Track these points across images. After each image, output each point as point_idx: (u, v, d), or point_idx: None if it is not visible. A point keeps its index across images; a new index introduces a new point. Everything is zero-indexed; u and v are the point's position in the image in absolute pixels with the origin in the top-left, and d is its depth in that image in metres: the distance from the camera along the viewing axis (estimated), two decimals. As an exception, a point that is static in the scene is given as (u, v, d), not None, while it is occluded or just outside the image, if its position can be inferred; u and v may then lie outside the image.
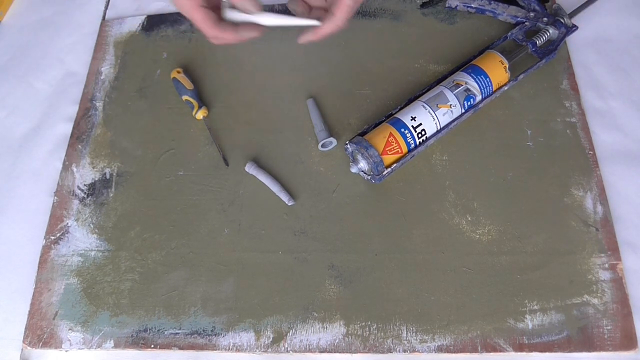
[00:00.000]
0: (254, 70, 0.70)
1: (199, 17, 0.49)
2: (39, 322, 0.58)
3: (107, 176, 0.65)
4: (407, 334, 0.52)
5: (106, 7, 0.80)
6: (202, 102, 0.67)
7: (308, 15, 0.49)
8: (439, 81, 0.62)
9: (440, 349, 0.52)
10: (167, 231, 0.61)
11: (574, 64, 0.64)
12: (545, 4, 0.66)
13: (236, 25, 0.50)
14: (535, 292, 0.53)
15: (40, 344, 0.57)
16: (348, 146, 0.58)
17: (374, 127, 0.59)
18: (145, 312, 0.57)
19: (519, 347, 0.51)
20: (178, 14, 0.76)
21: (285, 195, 0.60)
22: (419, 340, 0.52)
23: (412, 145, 0.57)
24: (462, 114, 0.59)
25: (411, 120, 0.57)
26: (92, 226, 0.62)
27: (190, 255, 0.59)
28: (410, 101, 0.61)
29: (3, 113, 0.74)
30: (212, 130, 0.65)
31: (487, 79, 0.59)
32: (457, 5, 0.68)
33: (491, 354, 0.51)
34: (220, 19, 0.50)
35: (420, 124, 0.57)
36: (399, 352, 0.52)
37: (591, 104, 0.62)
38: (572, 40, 0.66)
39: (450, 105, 0.58)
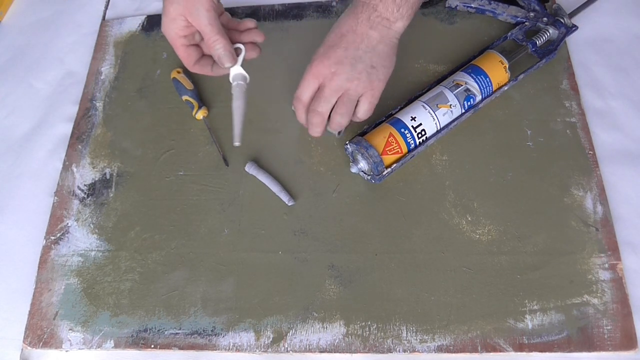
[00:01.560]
0: (254, 70, 0.69)
1: (182, 54, 0.55)
2: (39, 322, 0.58)
3: (107, 176, 0.65)
4: (407, 334, 0.52)
5: (106, 7, 0.80)
6: (202, 102, 0.67)
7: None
8: (439, 81, 0.62)
9: (440, 349, 0.51)
10: (167, 231, 0.61)
11: (574, 64, 0.64)
12: (545, 4, 0.66)
13: (212, 62, 0.57)
14: (535, 292, 0.53)
15: (41, 344, 0.57)
16: (348, 146, 0.58)
17: (374, 127, 0.59)
18: (145, 312, 0.57)
19: (519, 347, 0.51)
20: (178, 14, 0.76)
21: (285, 195, 0.60)
22: (419, 340, 0.52)
23: (412, 145, 0.57)
24: (462, 114, 0.59)
25: (411, 120, 0.57)
26: (92, 226, 0.62)
27: (190, 255, 0.59)
28: (410, 101, 0.61)
29: (3, 113, 0.74)
30: (212, 130, 0.65)
31: (487, 79, 0.59)
32: (457, 5, 0.68)
33: (491, 354, 0.51)
34: (201, 55, 0.56)
35: (420, 124, 0.57)
36: (399, 352, 0.52)
37: (591, 104, 0.62)
38: (572, 40, 0.66)
39: (450, 105, 0.58)
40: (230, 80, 0.56)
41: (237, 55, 0.56)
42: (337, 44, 0.52)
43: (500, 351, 0.51)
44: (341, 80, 0.52)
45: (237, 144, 0.55)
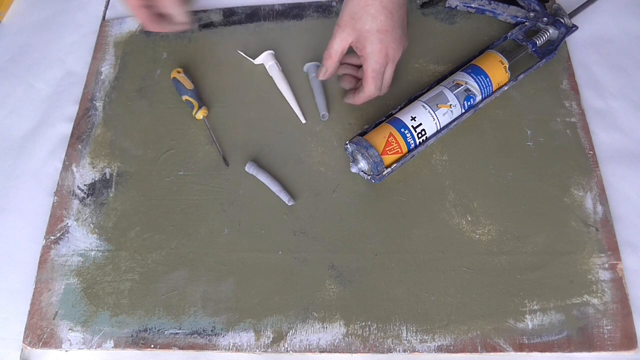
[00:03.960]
0: (254, 70, 0.70)
1: (142, 16, 0.61)
2: (39, 322, 0.58)
3: (107, 176, 0.65)
4: (407, 334, 0.52)
5: (106, 7, 0.80)
6: (202, 102, 0.67)
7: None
8: (439, 81, 0.62)
9: (440, 349, 0.52)
10: (167, 231, 0.61)
11: (574, 64, 0.64)
12: (545, 4, 0.66)
13: (171, 20, 0.64)
14: (535, 292, 0.53)
15: (40, 344, 0.57)
16: (348, 146, 0.58)
17: (374, 127, 0.59)
18: (145, 312, 0.57)
19: (519, 347, 0.51)
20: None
21: (285, 195, 0.60)
22: (419, 340, 0.52)
23: (412, 145, 0.57)
24: (462, 114, 0.59)
25: (411, 120, 0.57)
26: (92, 226, 0.62)
27: (190, 255, 0.59)
28: (410, 101, 0.61)
29: (3, 113, 0.74)
30: (212, 130, 0.65)
31: (487, 79, 0.59)
32: (457, 5, 0.68)
33: (491, 354, 0.51)
34: (159, 16, 0.63)
35: (420, 124, 0.57)
36: (399, 352, 0.52)
37: (591, 104, 0.62)
38: (572, 40, 0.66)
39: (450, 105, 0.58)
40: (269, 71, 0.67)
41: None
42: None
43: (500, 351, 0.51)
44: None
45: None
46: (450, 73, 0.62)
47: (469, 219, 0.57)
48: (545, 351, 0.50)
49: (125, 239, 0.61)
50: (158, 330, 0.56)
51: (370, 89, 0.58)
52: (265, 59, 0.68)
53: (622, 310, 0.51)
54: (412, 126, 0.57)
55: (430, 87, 0.61)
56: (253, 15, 0.74)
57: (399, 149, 0.56)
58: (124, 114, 0.69)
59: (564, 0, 0.67)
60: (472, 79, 0.58)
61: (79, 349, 0.56)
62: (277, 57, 0.69)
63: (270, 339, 0.54)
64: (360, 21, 0.54)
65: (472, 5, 0.67)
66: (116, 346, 0.55)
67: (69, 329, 0.57)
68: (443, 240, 0.56)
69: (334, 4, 0.73)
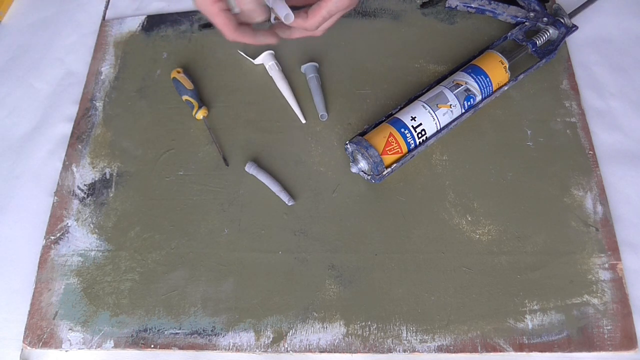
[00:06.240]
0: (254, 70, 0.70)
1: (221, 22, 0.51)
2: (39, 322, 0.58)
3: (107, 176, 0.65)
4: (407, 334, 0.52)
5: (106, 7, 0.80)
6: (202, 102, 0.67)
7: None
8: (439, 81, 0.62)
9: (440, 349, 0.51)
10: (167, 231, 0.61)
11: (574, 64, 0.64)
12: (545, 4, 0.66)
13: (255, 29, 0.53)
14: (535, 292, 0.53)
15: (40, 344, 0.57)
16: (348, 146, 0.58)
17: (374, 127, 0.59)
18: (145, 312, 0.57)
19: (519, 347, 0.51)
20: (178, 14, 0.76)
21: (285, 195, 0.60)
22: (419, 340, 0.52)
23: (412, 145, 0.57)
24: (462, 114, 0.59)
25: (411, 120, 0.57)
26: (92, 226, 0.62)
27: (190, 255, 0.59)
28: (410, 101, 0.61)
29: (3, 113, 0.74)
30: (212, 130, 0.65)
31: (487, 79, 0.59)
32: (457, 5, 0.68)
33: (491, 354, 0.51)
34: (240, 23, 0.52)
35: (420, 124, 0.57)
36: (399, 352, 0.52)
37: (591, 104, 0.62)
38: (572, 40, 0.66)
39: (450, 105, 0.58)
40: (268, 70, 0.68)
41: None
42: None
43: (500, 351, 0.51)
44: None
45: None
46: (450, 73, 0.62)
47: (469, 219, 0.57)
48: (545, 351, 0.50)
49: (125, 239, 0.61)
50: (158, 330, 0.56)
51: (314, 23, 0.52)
52: (265, 59, 0.68)
53: (622, 310, 0.51)
54: (412, 126, 0.57)
55: (430, 87, 0.61)
56: (253, 15, 0.74)
57: (399, 149, 0.56)
58: (124, 114, 0.69)
59: (564, 0, 0.67)
60: (472, 79, 0.58)
61: (79, 349, 0.56)
62: (277, 57, 0.69)
63: (270, 339, 0.54)
64: None
65: (472, 5, 0.67)
66: (116, 346, 0.55)
67: (69, 329, 0.57)
68: (443, 240, 0.56)
69: (334, 4, 0.73)
